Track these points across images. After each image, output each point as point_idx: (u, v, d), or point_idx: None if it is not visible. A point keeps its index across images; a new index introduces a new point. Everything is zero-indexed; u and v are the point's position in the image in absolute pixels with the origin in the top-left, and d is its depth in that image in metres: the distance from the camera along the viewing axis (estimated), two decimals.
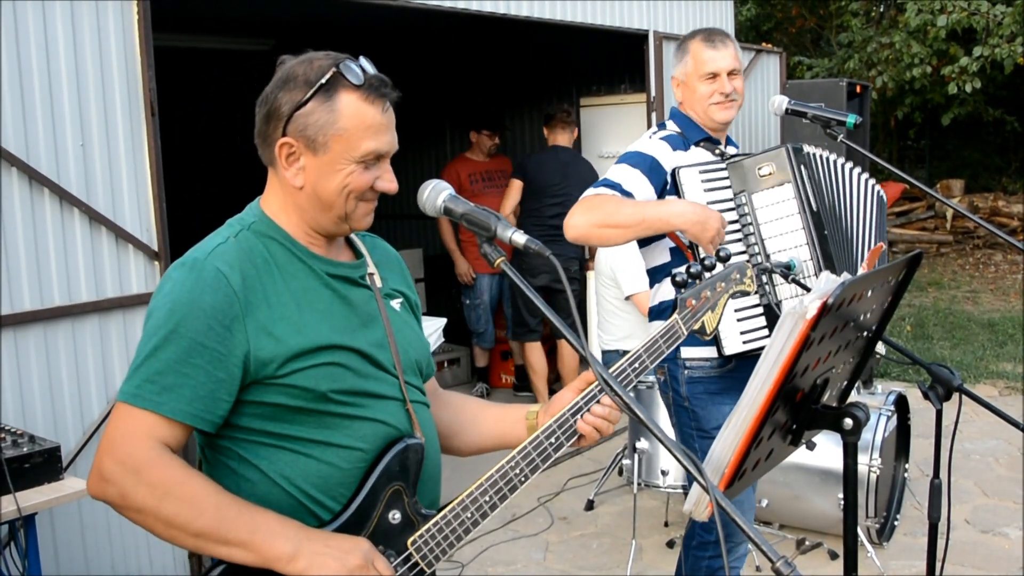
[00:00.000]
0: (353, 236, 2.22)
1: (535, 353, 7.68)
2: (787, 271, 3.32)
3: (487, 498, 2.02)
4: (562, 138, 7.66)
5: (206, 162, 10.85)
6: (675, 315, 2.29)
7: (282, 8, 7.44)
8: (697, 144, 3.63)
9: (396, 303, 2.23)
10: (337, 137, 1.96)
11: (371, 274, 2.17)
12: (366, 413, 2.01)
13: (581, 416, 2.13)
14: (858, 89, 7.77)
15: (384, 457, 2.02)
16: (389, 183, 2.04)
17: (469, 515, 2.02)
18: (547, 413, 2.22)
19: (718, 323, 2.37)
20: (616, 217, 3.33)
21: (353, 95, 1.97)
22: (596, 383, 2.15)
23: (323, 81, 1.96)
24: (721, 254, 2.40)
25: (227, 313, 1.90)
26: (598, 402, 2.14)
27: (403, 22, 8.32)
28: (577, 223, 3.39)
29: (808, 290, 2.60)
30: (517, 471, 2.05)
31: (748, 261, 3.42)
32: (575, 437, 2.14)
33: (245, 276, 1.94)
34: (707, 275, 2.34)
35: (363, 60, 2.01)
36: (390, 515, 2.00)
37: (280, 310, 1.95)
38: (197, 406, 1.88)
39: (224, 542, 1.84)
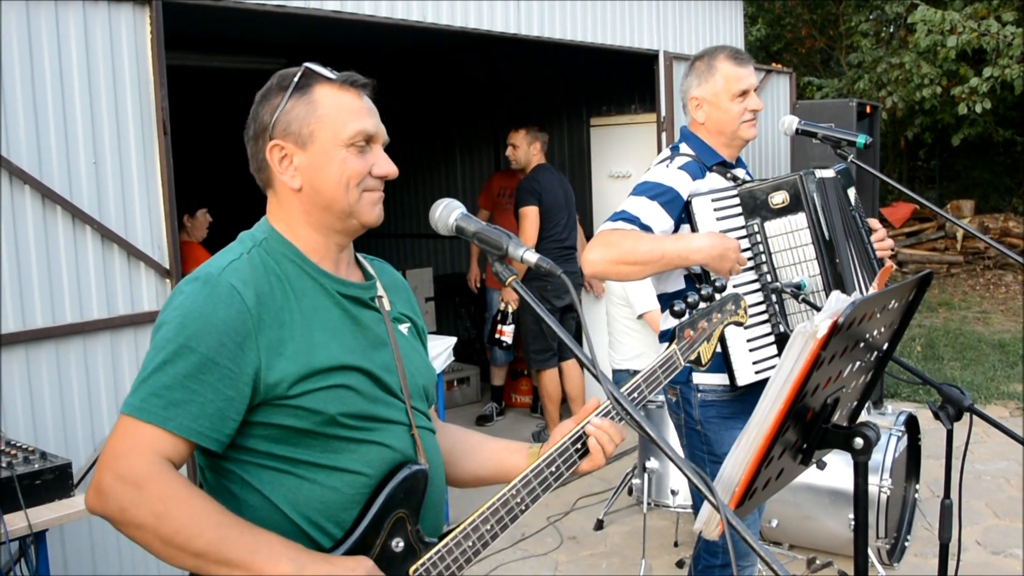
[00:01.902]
0: (361, 258, 2.21)
1: (553, 380, 7.59)
2: (798, 291, 3.31)
3: (488, 527, 2.00)
4: (543, 156, 7.66)
5: (218, 180, 10.88)
6: (673, 345, 2.30)
7: (293, 28, 7.48)
8: (711, 169, 3.59)
9: (404, 327, 2.20)
10: (320, 124, 1.98)
11: (380, 297, 2.15)
12: (373, 437, 1.98)
13: (583, 442, 2.12)
14: (868, 109, 7.79)
15: (389, 484, 1.99)
16: (387, 166, 2.04)
17: (471, 544, 1.99)
18: (550, 445, 2.20)
19: (713, 353, 2.37)
20: (635, 254, 3.30)
21: (327, 86, 2.01)
22: (596, 411, 2.15)
23: (296, 80, 2.00)
24: (717, 284, 2.40)
25: (239, 330, 1.86)
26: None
27: (414, 41, 8.36)
28: (595, 259, 3.36)
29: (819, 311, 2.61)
30: (518, 500, 2.04)
31: (760, 289, 3.42)
32: (576, 466, 2.13)
33: (259, 293, 1.91)
34: (703, 305, 2.35)
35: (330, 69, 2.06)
36: (393, 543, 1.97)
37: (292, 329, 1.92)
38: (204, 423, 1.84)
39: (225, 563, 1.79)
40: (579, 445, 2.13)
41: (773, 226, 3.42)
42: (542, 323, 7.40)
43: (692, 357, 2.32)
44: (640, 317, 5.88)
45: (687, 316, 2.32)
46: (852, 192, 3.62)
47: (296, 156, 2.00)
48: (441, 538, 2.00)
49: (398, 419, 2.05)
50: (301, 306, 1.97)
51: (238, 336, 1.86)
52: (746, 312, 2.46)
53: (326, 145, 1.98)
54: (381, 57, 9.37)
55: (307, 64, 2.03)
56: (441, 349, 5.97)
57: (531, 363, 7.66)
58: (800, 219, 3.40)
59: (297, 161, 2.00)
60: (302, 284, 2.00)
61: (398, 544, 1.98)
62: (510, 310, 7.54)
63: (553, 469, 2.09)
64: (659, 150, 7.70)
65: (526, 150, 7.56)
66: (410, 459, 2.05)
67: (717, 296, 2.38)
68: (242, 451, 1.93)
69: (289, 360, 1.90)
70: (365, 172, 2.01)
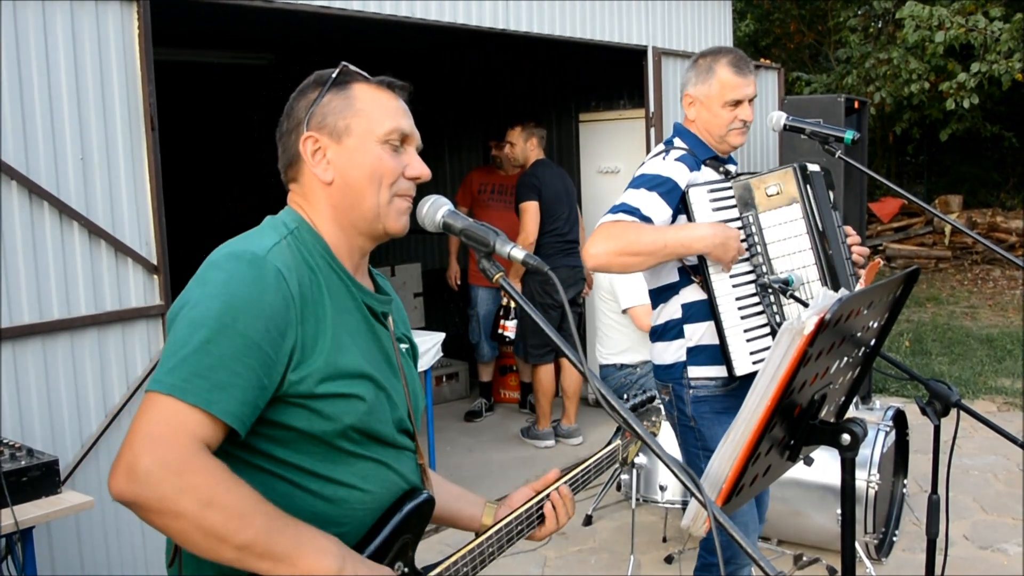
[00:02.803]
0: (372, 272, 2.16)
1: (548, 376, 7.56)
2: (785, 287, 3.32)
3: (467, 570, 2.02)
4: (541, 151, 7.65)
5: (206, 175, 10.87)
6: (617, 441, 2.55)
7: (282, 23, 7.46)
8: (705, 163, 3.60)
9: (403, 347, 2.16)
10: (357, 119, 1.96)
11: (388, 314, 2.11)
12: (374, 454, 1.94)
13: (543, 506, 2.28)
14: (856, 105, 7.79)
15: (405, 506, 1.97)
16: (420, 167, 2.02)
17: None
18: (506, 505, 2.33)
19: (636, 454, 2.66)
20: (637, 245, 3.31)
21: (365, 84, 2.00)
22: (555, 484, 2.33)
23: (334, 76, 1.99)
24: (649, 394, 2.68)
25: (284, 317, 1.79)
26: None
27: (403, 38, 8.35)
28: (597, 252, 3.36)
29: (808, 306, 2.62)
30: (490, 551, 2.10)
31: (755, 281, 3.42)
32: (534, 528, 2.26)
33: (301, 284, 1.85)
34: (640, 410, 2.64)
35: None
36: (395, 567, 1.94)
37: (324, 325, 1.87)
38: (245, 410, 1.74)
39: (269, 556, 1.69)
40: (542, 512, 2.29)
41: (768, 218, 3.43)
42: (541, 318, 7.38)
43: (625, 455, 2.58)
44: (624, 312, 5.86)
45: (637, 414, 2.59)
46: (831, 194, 3.64)
47: (330, 149, 1.97)
48: (426, 570, 1.99)
49: (403, 443, 2.03)
50: (333, 303, 1.91)
51: (282, 323, 1.78)
52: (660, 426, 2.76)
53: (361, 139, 1.96)
54: (369, 52, 9.35)
55: (344, 64, 2.02)
56: (430, 345, 5.96)
57: (528, 357, 7.65)
58: (795, 210, 3.41)
59: (330, 154, 1.97)
60: (332, 281, 1.95)
61: (399, 569, 1.95)
62: (512, 305, 7.51)
63: (517, 528, 2.20)
64: (648, 145, 7.71)
65: (523, 147, 7.57)
66: (416, 485, 2.05)
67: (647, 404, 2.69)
68: (237, 447, 1.82)
69: (318, 356, 1.84)
70: (398, 172, 1.98)
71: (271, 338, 1.76)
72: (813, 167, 3.54)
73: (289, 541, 1.71)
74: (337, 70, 2.00)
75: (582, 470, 2.38)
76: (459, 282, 8.62)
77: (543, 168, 7.51)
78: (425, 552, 2.00)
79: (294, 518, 1.76)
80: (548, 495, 2.26)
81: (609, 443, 2.51)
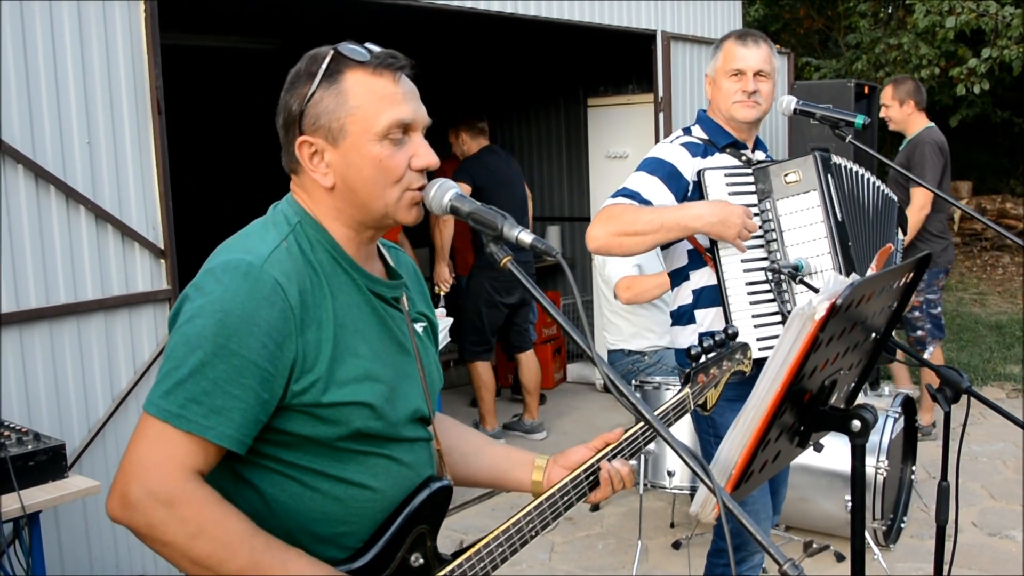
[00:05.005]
0: (383, 248, 2.10)
1: (487, 371, 7.43)
2: (795, 272, 3.30)
3: (500, 550, 1.97)
4: (483, 141, 7.52)
5: (212, 160, 10.85)
6: (687, 389, 2.37)
7: (288, 7, 7.44)
8: (723, 149, 3.59)
9: (420, 327, 2.10)
10: (352, 118, 1.83)
11: (399, 298, 2.03)
12: (385, 451, 1.90)
13: (595, 476, 2.13)
14: (866, 90, 7.76)
15: (416, 498, 1.93)
16: (427, 156, 1.89)
17: (483, 567, 1.95)
18: (558, 464, 2.20)
19: (717, 399, 2.47)
20: (635, 225, 3.32)
21: (358, 72, 1.85)
22: (613, 446, 2.17)
23: (324, 67, 1.84)
24: (730, 331, 2.46)
25: (281, 331, 1.74)
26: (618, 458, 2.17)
27: (409, 21, 8.32)
28: (597, 234, 3.38)
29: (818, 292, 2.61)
30: (530, 528, 2.01)
31: (767, 267, 3.42)
32: (585, 497, 2.13)
33: (301, 291, 1.79)
34: (717, 351, 2.43)
35: (368, 44, 1.90)
36: (412, 558, 1.91)
37: (327, 330, 1.81)
38: (244, 431, 1.73)
39: None
40: (592, 479, 2.14)
41: (785, 205, 3.43)
42: (482, 315, 7.33)
43: (700, 401, 2.40)
44: (616, 298, 5.77)
45: (702, 360, 2.40)
46: (900, 232, 3.68)
47: (327, 153, 1.86)
48: (455, 556, 1.96)
49: (416, 435, 1.99)
50: (336, 304, 1.85)
51: (279, 336, 1.74)
52: (751, 361, 2.55)
53: (359, 140, 1.83)
54: (376, 37, 9.30)
55: (338, 47, 1.86)
56: (438, 329, 5.94)
57: (465, 353, 7.55)
58: (813, 198, 3.41)
59: (328, 158, 1.86)
60: (337, 278, 1.88)
61: (417, 560, 1.92)
62: (441, 294, 7.35)
63: (564, 499, 2.09)
64: (656, 130, 7.69)
65: (456, 144, 7.55)
66: (430, 475, 2.01)
67: (730, 343, 2.48)
68: (248, 451, 1.80)
69: (320, 365, 1.79)
70: (403, 167, 1.87)
71: (268, 353, 1.73)
72: (890, 194, 3.63)
73: (277, 573, 1.72)
74: (328, 58, 1.85)
75: (641, 428, 2.23)
76: (452, 282, 8.52)
77: (486, 154, 7.41)
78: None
79: (285, 548, 1.76)
80: (599, 465, 2.14)
81: (679, 391, 2.36)
